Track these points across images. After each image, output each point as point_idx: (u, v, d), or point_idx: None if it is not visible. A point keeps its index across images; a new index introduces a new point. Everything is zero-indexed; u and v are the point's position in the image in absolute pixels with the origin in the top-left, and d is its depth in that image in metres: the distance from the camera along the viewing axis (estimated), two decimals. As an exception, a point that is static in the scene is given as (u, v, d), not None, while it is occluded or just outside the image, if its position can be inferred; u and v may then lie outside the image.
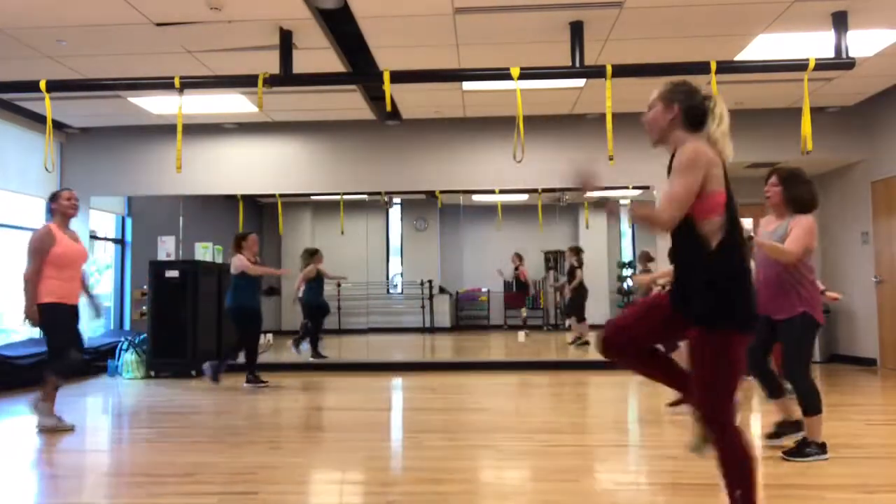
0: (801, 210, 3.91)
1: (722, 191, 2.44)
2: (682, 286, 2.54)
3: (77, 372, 5.11)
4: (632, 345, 2.67)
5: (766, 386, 4.15)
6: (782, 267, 3.82)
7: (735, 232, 2.47)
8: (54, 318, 4.85)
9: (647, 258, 7.49)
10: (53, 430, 4.87)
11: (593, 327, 9.09)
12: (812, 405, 3.89)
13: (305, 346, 8.65)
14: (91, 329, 8.66)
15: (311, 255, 8.48)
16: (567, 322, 9.94)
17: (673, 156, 2.59)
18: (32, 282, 4.80)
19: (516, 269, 10.42)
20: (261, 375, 7.01)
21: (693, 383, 2.48)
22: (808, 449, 3.89)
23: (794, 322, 3.83)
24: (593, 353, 8.84)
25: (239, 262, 6.79)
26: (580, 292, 9.01)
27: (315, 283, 8.48)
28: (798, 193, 3.93)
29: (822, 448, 3.90)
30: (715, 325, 2.39)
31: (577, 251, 9.13)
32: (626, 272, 10.41)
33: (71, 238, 5.00)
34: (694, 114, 2.57)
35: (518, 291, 10.50)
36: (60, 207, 4.97)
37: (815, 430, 3.92)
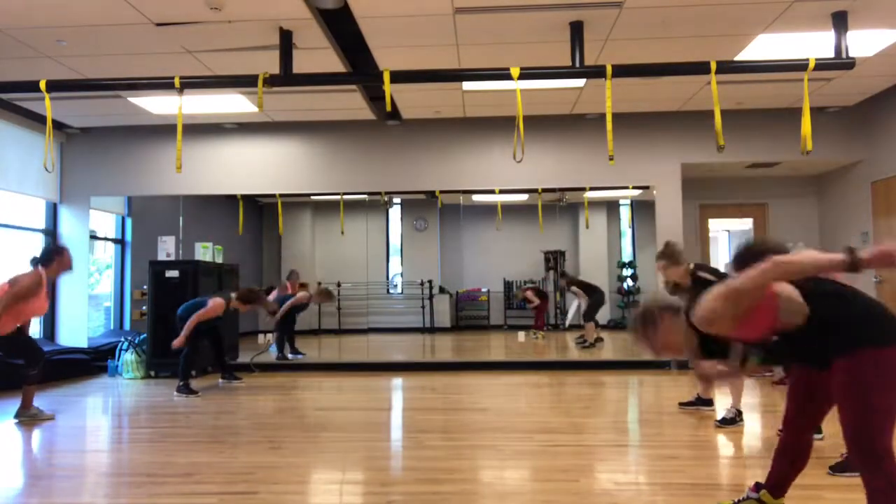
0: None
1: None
2: (815, 346, 2.50)
3: None
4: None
5: None
6: None
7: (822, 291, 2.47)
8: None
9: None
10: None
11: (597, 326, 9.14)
12: None
13: (291, 354, 8.71)
14: (91, 329, 8.68)
15: (288, 278, 8.68)
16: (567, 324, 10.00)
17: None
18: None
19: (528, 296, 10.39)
20: (261, 375, 6.98)
21: (843, 417, 2.40)
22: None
23: None
24: (595, 354, 8.86)
25: (212, 309, 6.61)
26: (597, 298, 9.11)
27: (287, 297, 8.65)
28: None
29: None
30: (868, 342, 2.34)
31: (566, 276, 9.31)
32: (627, 272, 10.41)
33: None
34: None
35: (543, 301, 10.42)
36: None
37: None
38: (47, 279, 5.27)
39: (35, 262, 5.35)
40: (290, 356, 8.63)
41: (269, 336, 9.16)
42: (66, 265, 5.27)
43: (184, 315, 6.64)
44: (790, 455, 2.87)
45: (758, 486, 2.97)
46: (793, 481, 2.91)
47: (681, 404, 5.56)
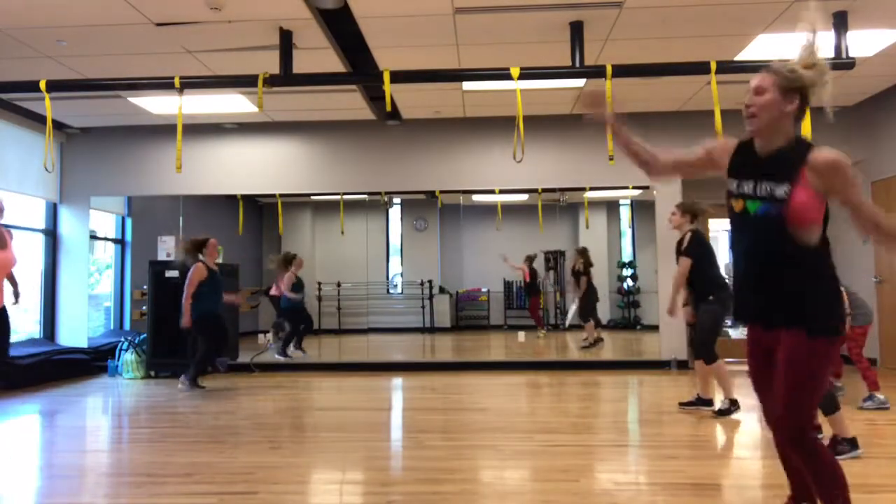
0: None
1: (823, 196, 2.41)
2: (774, 295, 2.42)
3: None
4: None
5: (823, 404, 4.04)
6: None
7: (827, 238, 2.48)
8: None
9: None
10: None
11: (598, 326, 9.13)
12: (828, 405, 3.95)
13: (293, 348, 8.72)
14: (91, 329, 8.68)
15: (290, 260, 8.63)
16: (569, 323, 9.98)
17: (773, 157, 2.44)
18: None
19: (524, 272, 10.38)
20: (261, 375, 6.99)
21: (779, 390, 2.37)
22: (839, 447, 3.92)
23: None
24: (596, 354, 8.86)
25: (192, 277, 6.69)
26: (589, 296, 9.05)
27: (295, 286, 8.66)
28: None
29: (852, 443, 3.97)
30: (824, 332, 2.34)
31: (582, 253, 9.11)
32: (627, 272, 10.41)
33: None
34: (806, 105, 2.44)
35: (533, 298, 10.43)
36: None
37: (840, 427, 3.98)
38: None
39: None
40: (289, 352, 8.62)
41: (269, 336, 9.16)
42: None
43: (197, 318, 6.71)
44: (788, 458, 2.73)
45: (792, 501, 2.73)
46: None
47: (681, 404, 5.57)
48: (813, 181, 2.34)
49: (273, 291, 8.97)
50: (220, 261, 8.54)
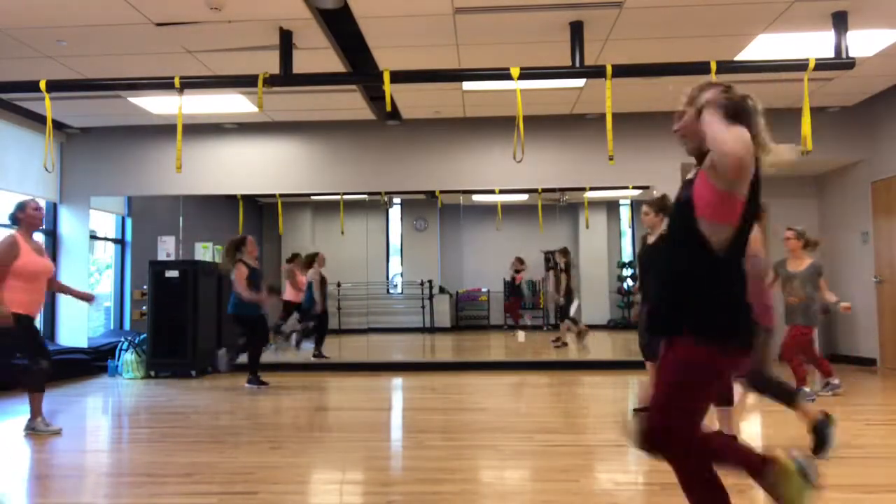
0: None
1: (744, 198, 2.18)
2: (670, 298, 2.31)
3: (48, 379, 5.02)
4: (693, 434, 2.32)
5: (780, 397, 4.11)
6: None
7: (741, 246, 2.23)
8: (21, 331, 4.78)
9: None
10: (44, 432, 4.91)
11: (590, 327, 9.14)
12: (786, 395, 4.04)
13: (307, 344, 8.71)
14: (91, 329, 8.68)
15: (313, 258, 8.62)
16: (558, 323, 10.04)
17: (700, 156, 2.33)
18: None
19: (516, 272, 10.43)
20: (262, 375, 7.00)
21: (657, 397, 2.27)
22: (823, 433, 3.91)
23: None
24: (587, 354, 8.86)
25: (238, 278, 6.76)
26: (568, 296, 9.06)
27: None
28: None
29: (827, 421, 3.96)
30: (715, 341, 2.19)
31: (564, 253, 9.16)
32: (626, 272, 10.41)
33: (36, 250, 4.93)
34: (735, 115, 2.26)
35: (514, 298, 10.50)
36: (28, 218, 4.90)
37: (808, 413, 3.99)
38: (25, 238, 4.88)
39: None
40: (294, 341, 8.64)
41: (269, 336, 9.16)
42: (31, 217, 4.89)
43: (233, 312, 6.80)
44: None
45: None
46: (745, 448, 2.61)
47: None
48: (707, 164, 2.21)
49: (287, 296, 8.95)
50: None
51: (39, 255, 4.96)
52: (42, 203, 8.24)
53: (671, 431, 2.24)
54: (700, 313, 2.22)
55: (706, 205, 2.19)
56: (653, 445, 2.27)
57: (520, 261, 10.31)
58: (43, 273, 4.94)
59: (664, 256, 2.39)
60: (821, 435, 3.86)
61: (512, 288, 10.46)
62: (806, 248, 5.96)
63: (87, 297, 5.37)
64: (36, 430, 4.86)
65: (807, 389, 5.73)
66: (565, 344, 9.05)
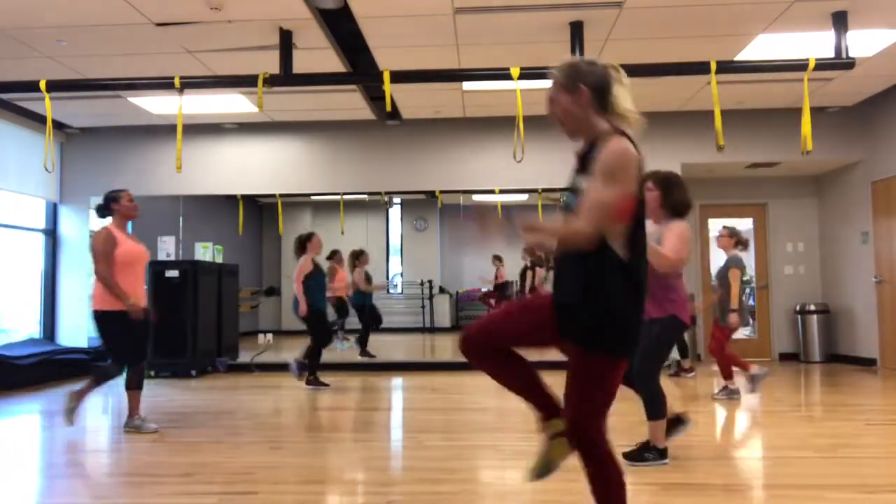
0: (677, 215, 3.85)
1: (634, 193, 2.14)
2: (566, 296, 2.26)
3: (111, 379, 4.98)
4: (492, 345, 2.41)
5: (648, 405, 3.93)
6: (653, 271, 3.50)
7: (639, 245, 2.19)
8: (115, 325, 4.71)
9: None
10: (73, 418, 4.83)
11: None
12: (656, 409, 3.79)
13: (344, 345, 8.80)
14: (91, 329, 8.67)
15: (357, 256, 8.66)
16: None
17: (589, 150, 2.29)
18: (111, 281, 4.64)
19: (497, 270, 10.46)
20: (261, 376, 7.00)
21: (566, 395, 2.33)
22: (647, 454, 3.79)
23: (660, 321, 3.75)
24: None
25: (298, 272, 6.80)
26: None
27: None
28: (675, 198, 3.86)
29: (661, 454, 3.80)
30: (600, 351, 2.21)
31: (531, 251, 9.22)
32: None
33: (131, 239, 4.89)
34: (601, 88, 2.29)
35: (497, 292, 10.54)
36: (122, 209, 4.90)
37: (657, 434, 3.80)
38: (119, 229, 4.87)
39: (101, 217, 5.09)
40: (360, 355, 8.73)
41: (269, 336, 9.16)
42: (126, 208, 4.94)
43: (307, 313, 6.77)
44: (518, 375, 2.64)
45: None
46: (544, 395, 2.60)
47: None
48: (596, 168, 2.18)
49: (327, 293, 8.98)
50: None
51: (134, 241, 4.91)
52: (42, 203, 8.30)
53: (578, 430, 2.36)
54: (592, 323, 2.19)
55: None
56: (571, 442, 2.39)
57: (498, 259, 10.33)
58: (141, 259, 4.91)
59: (560, 259, 2.32)
60: (642, 453, 3.80)
61: (497, 286, 10.49)
62: (737, 247, 5.93)
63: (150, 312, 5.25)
64: (137, 428, 4.77)
65: (732, 386, 5.77)
66: None
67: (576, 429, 2.34)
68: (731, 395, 5.92)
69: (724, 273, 5.95)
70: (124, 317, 4.64)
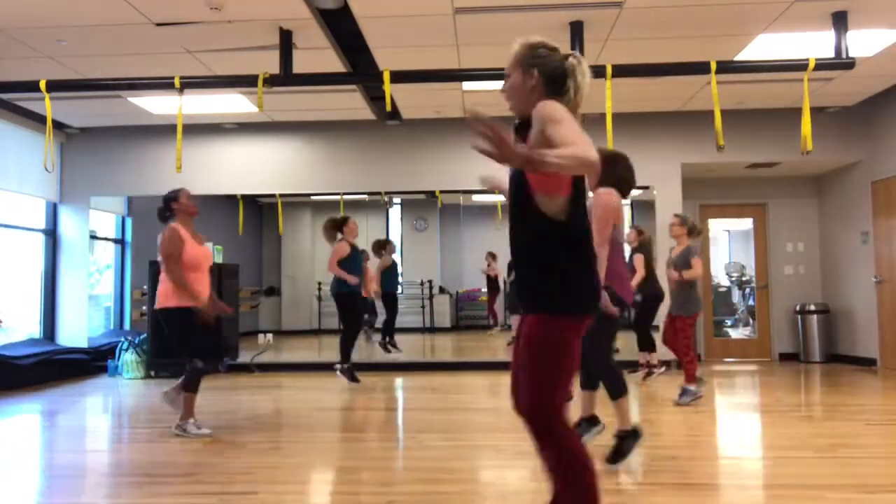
0: (619, 193, 3.86)
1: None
2: (521, 275, 2.32)
3: (203, 375, 4.78)
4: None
5: (610, 386, 3.98)
6: None
7: (581, 213, 2.25)
8: (182, 323, 4.66)
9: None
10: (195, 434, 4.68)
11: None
12: (616, 388, 3.84)
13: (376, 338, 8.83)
14: (91, 329, 8.67)
15: (383, 246, 8.72)
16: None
17: (521, 123, 2.31)
18: (183, 280, 4.63)
19: (489, 266, 10.47)
20: (260, 375, 7.00)
21: (522, 378, 2.25)
22: (625, 444, 3.77)
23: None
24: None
25: (333, 255, 6.80)
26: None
27: (389, 272, 8.80)
28: (618, 174, 3.88)
29: (634, 434, 3.80)
30: (558, 311, 2.20)
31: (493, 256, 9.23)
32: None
33: (196, 240, 4.87)
34: (554, 77, 2.28)
35: (490, 293, 10.54)
36: (183, 207, 4.88)
37: (623, 416, 3.83)
38: (184, 228, 4.83)
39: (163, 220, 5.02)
40: (388, 347, 8.72)
41: (269, 336, 9.16)
42: (185, 206, 4.90)
43: (339, 294, 6.77)
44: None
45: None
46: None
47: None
48: (532, 133, 2.18)
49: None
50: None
51: (200, 244, 4.89)
52: (42, 203, 8.30)
53: (537, 408, 2.22)
54: (548, 287, 2.22)
55: (536, 181, 2.19)
56: (527, 422, 2.25)
57: (491, 255, 10.32)
58: (205, 261, 4.88)
59: (511, 233, 2.36)
60: (621, 445, 3.76)
61: (488, 284, 10.49)
62: (690, 235, 5.88)
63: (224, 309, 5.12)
64: (186, 432, 4.65)
65: (692, 388, 5.56)
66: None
67: (533, 407, 2.22)
68: (694, 396, 5.74)
69: (685, 260, 5.74)
70: (190, 313, 4.64)
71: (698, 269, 5.72)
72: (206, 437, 4.61)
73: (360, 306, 7.12)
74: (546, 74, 2.28)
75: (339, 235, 6.98)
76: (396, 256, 10.82)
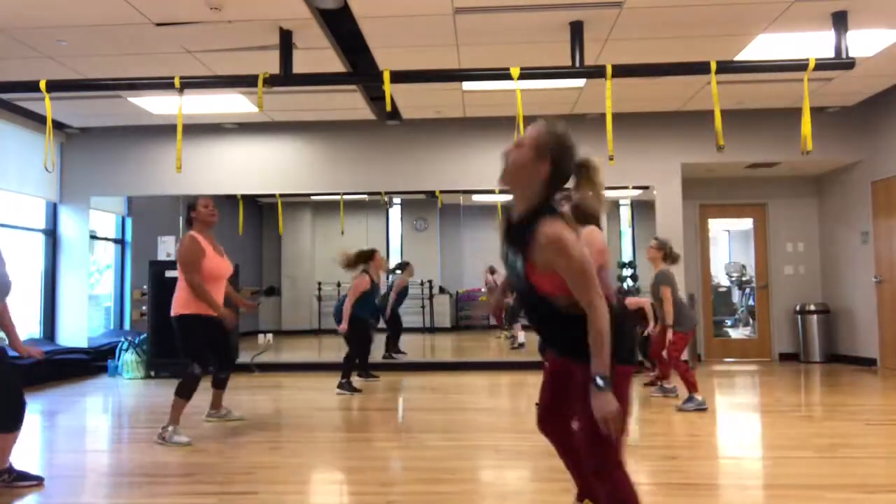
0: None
1: (590, 257, 2.24)
2: (551, 335, 2.44)
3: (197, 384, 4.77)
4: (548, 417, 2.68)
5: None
6: None
7: (605, 283, 2.38)
8: (193, 332, 4.70)
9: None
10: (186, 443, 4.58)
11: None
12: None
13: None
14: (91, 329, 8.67)
15: (403, 267, 8.83)
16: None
17: (517, 224, 2.29)
18: (202, 288, 4.65)
19: (486, 282, 10.44)
20: (258, 375, 6.99)
21: (581, 424, 2.30)
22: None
23: None
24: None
25: (356, 287, 6.77)
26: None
27: (403, 292, 8.89)
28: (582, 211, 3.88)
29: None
30: (619, 362, 2.23)
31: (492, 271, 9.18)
32: (626, 272, 10.41)
33: (216, 251, 4.87)
34: (565, 175, 2.31)
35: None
36: (199, 216, 4.87)
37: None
38: (203, 237, 4.83)
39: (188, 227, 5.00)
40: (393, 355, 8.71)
41: (269, 336, 9.16)
42: (203, 215, 4.87)
43: (340, 308, 6.81)
44: (567, 454, 2.73)
45: (580, 497, 2.82)
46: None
47: (537, 405, 5.66)
48: (537, 255, 2.20)
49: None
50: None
51: (220, 255, 4.91)
52: (42, 203, 8.30)
53: (599, 454, 2.30)
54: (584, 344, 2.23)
55: (546, 285, 2.24)
56: (587, 466, 2.38)
57: (490, 270, 10.31)
58: (224, 276, 4.92)
59: (528, 301, 2.37)
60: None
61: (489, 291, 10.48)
62: (665, 260, 5.87)
63: (249, 306, 5.59)
64: (165, 440, 4.55)
65: (698, 398, 5.54)
66: (522, 345, 9.15)
67: (595, 463, 2.28)
68: (666, 393, 6.05)
69: (655, 288, 5.79)
70: (202, 321, 4.67)
71: (669, 303, 5.66)
72: (184, 445, 4.50)
73: (371, 335, 7.14)
74: (559, 169, 2.27)
75: (362, 266, 6.93)
76: (396, 257, 10.84)
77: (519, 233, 2.26)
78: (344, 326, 6.67)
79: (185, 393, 4.66)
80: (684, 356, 6.05)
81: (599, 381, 2.11)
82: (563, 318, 2.27)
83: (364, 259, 6.95)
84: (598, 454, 2.25)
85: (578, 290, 2.16)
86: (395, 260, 10.97)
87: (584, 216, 3.40)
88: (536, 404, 2.86)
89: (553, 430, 2.73)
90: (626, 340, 2.36)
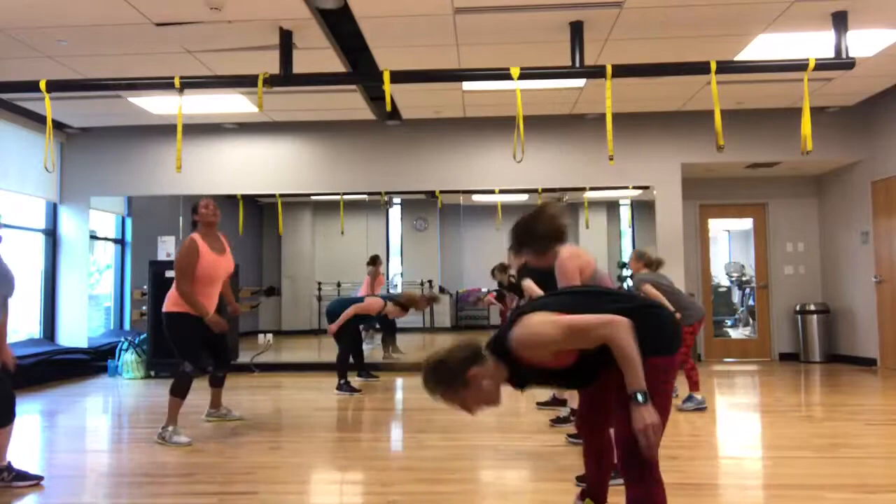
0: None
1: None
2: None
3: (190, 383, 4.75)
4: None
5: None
6: None
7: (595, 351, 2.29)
8: (181, 330, 4.71)
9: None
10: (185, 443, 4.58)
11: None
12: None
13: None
14: (91, 329, 8.68)
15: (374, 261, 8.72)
16: None
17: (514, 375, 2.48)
18: (192, 297, 4.66)
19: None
20: (258, 374, 6.99)
21: (618, 418, 2.33)
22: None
23: None
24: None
25: (371, 305, 6.82)
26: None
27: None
28: (542, 234, 3.77)
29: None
30: (645, 354, 2.22)
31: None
32: (627, 272, 10.40)
33: (216, 250, 4.87)
34: (473, 362, 2.38)
35: (500, 300, 10.50)
36: (200, 217, 4.90)
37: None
38: (204, 238, 4.84)
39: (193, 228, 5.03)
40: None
41: (269, 336, 9.16)
42: (203, 216, 4.90)
43: (336, 309, 6.78)
44: (594, 455, 2.79)
45: (583, 495, 2.86)
46: (608, 482, 2.83)
47: (538, 404, 5.71)
48: (530, 354, 2.31)
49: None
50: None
51: (219, 254, 4.90)
52: (42, 203, 8.30)
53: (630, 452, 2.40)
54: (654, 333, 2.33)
55: (563, 361, 2.31)
56: (620, 462, 2.45)
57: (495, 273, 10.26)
58: (221, 276, 4.93)
59: (566, 378, 2.52)
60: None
61: (498, 296, 10.44)
62: (647, 269, 5.84)
63: (235, 311, 5.66)
64: (165, 440, 4.57)
65: (698, 397, 5.55)
66: None
67: (628, 465, 2.34)
68: (698, 405, 5.65)
69: (637, 288, 5.76)
70: (192, 320, 4.67)
71: (653, 292, 5.52)
72: (184, 445, 4.52)
73: (357, 333, 7.15)
74: (465, 367, 2.33)
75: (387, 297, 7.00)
76: (396, 257, 10.86)
77: (519, 376, 2.41)
78: (334, 328, 6.67)
79: (179, 392, 4.67)
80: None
81: (639, 397, 2.17)
82: (594, 357, 2.30)
83: (408, 301, 7.07)
84: (634, 466, 2.31)
85: (583, 343, 2.23)
86: (395, 260, 10.98)
87: (546, 246, 3.32)
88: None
89: (590, 431, 2.80)
90: (666, 328, 2.36)
